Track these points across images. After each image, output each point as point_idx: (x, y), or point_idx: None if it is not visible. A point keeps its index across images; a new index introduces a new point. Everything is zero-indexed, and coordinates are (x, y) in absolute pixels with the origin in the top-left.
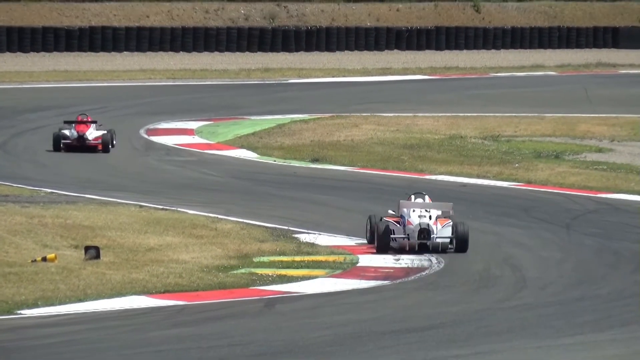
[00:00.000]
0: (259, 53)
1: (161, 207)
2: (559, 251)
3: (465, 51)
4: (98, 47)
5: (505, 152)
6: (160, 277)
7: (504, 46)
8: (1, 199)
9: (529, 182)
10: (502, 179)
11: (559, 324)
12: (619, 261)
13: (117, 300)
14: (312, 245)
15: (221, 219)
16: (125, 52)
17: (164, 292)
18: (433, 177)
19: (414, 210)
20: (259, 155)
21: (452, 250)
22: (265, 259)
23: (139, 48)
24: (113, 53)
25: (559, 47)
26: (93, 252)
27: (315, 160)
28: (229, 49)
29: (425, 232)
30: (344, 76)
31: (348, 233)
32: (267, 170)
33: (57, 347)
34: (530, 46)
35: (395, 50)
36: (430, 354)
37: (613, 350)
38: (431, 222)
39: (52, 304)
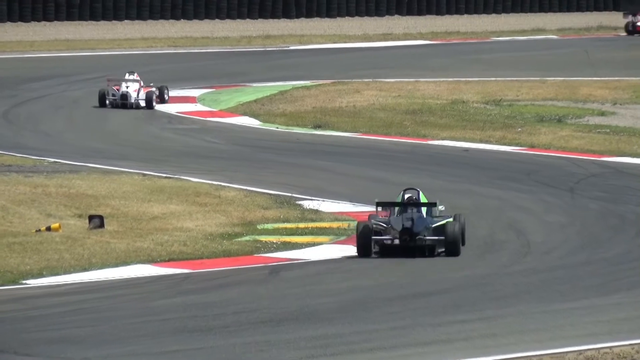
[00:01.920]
0: (260, 20)
1: (164, 175)
2: (563, 215)
3: (466, 15)
4: (99, 15)
5: (508, 116)
6: (165, 245)
7: (505, 10)
8: (4, 169)
9: (531, 146)
10: (504, 144)
11: (565, 288)
12: (623, 224)
13: (122, 269)
14: (316, 212)
15: (224, 186)
16: (126, 21)
17: (168, 261)
18: (435, 142)
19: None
20: (261, 122)
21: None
22: (269, 226)
23: (140, 16)
24: (114, 21)
25: (560, 10)
26: (97, 221)
27: (317, 126)
28: (229, 16)
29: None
30: (345, 42)
31: (351, 199)
32: (269, 137)
33: (62, 317)
34: (531, 10)
35: (396, 16)
36: (436, 320)
37: (619, 313)
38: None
39: (57, 274)
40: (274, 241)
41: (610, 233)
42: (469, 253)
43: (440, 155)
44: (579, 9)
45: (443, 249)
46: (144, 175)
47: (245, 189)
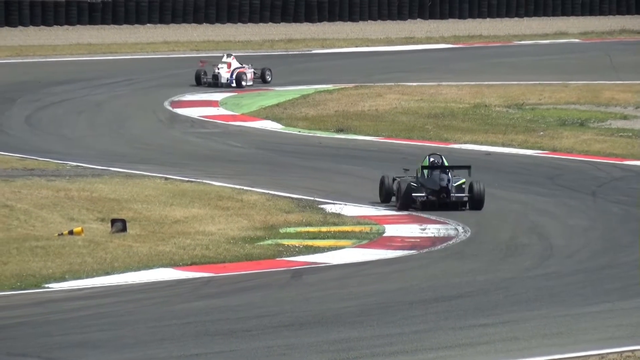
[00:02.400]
0: (282, 24)
1: (187, 179)
2: (586, 219)
3: (488, 19)
4: (121, 19)
5: (530, 120)
6: (187, 249)
7: (527, 14)
8: (27, 173)
9: (554, 150)
10: (527, 147)
11: (586, 291)
12: None
13: (144, 273)
14: (338, 215)
15: (247, 190)
16: (148, 25)
17: (190, 264)
18: (458, 146)
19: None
20: (283, 126)
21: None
22: (291, 229)
23: (162, 20)
24: (136, 25)
25: (583, 14)
26: (119, 225)
27: (339, 130)
28: (252, 20)
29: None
30: (367, 46)
31: (374, 203)
32: (291, 141)
33: (84, 320)
34: (554, 14)
35: (419, 20)
36: (458, 323)
37: None
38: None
39: (80, 278)
40: (296, 245)
41: (632, 237)
42: (491, 256)
43: (462, 159)
44: (602, 12)
45: (466, 206)
46: (167, 179)
47: (268, 193)
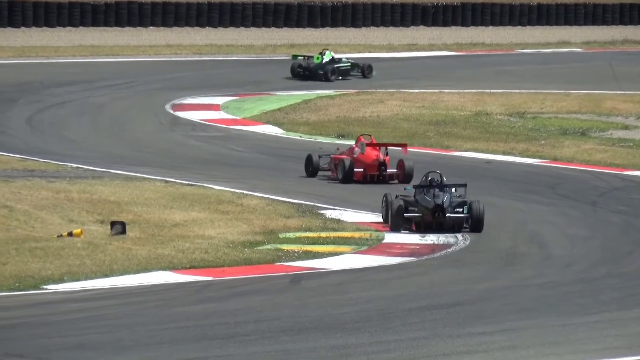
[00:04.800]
0: (285, 28)
1: (187, 182)
2: (585, 229)
3: (491, 27)
4: (124, 22)
5: (531, 128)
6: (186, 252)
7: (530, 22)
8: (27, 174)
9: (554, 159)
10: (528, 156)
11: (585, 301)
12: None
13: (143, 276)
14: (338, 221)
15: (247, 194)
16: (151, 27)
17: (189, 268)
18: (458, 153)
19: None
20: (284, 131)
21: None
22: (291, 234)
23: (165, 23)
24: (139, 28)
25: (585, 23)
26: (119, 228)
27: (341, 136)
28: (254, 24)
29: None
30: (369, 52)
31: (373, 209)
32: (292, 146)
33: (82, 322)
34: (557, 23)
35: (421, 26)
36: (456, 331)
37: (639, 327)
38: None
39: (78, 279)
40: (296, 250)
41: (632, 247)
42: (490, 265)
43: (462, 166)
44: (605, 22)
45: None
46: (167, 182)
47: (268, 198)
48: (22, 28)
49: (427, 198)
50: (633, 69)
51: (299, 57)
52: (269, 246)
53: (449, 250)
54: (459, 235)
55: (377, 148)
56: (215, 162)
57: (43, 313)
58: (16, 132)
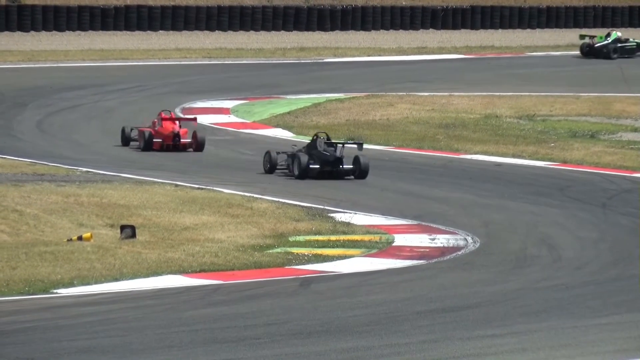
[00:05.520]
0: (295, 32)
1: (197, 186)
2: (595, 231)
3: (500, 30)
4: (133, 25)
5: (541, 131)
6: (196, 256)
7: (540, 25)
8: (37, 178)
9: (564, 162)
10: (537, 159)
11: (596, 303)
12: None
13: (153, 280)
14: (348, 224)
15: (257, 198)
16: (160, 31)
17: (199, 272)
18: (468, 156)
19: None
20: (294, 135)
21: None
22: (300, 238)
23: (175, 27)
24: (148, 32)
25: (595, 26)
26: (129, 231)
27: (350, 139)
28: (264, 27)
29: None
30: (379, 55)
31: (384, 212)
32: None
33: (92, 326)
34: (566, 25)
35: (431, 30)
36: (466, 334)
37: None
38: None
39: (88, 283)
40: (306, 253)
41: None
42: (500, 267)
43: (472, 169)
44: (614, 25)
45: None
46: (176, 185)
47: (278, 201)
48: (32, 32)
49: (326, 153)
50: None
51: (586, 37)
52: (279, 249)
53: (459, 253)
54: (469, 238)
55: (174, 122)
56: (225, 166)
57: (53, 317)
58: (26, 136)
